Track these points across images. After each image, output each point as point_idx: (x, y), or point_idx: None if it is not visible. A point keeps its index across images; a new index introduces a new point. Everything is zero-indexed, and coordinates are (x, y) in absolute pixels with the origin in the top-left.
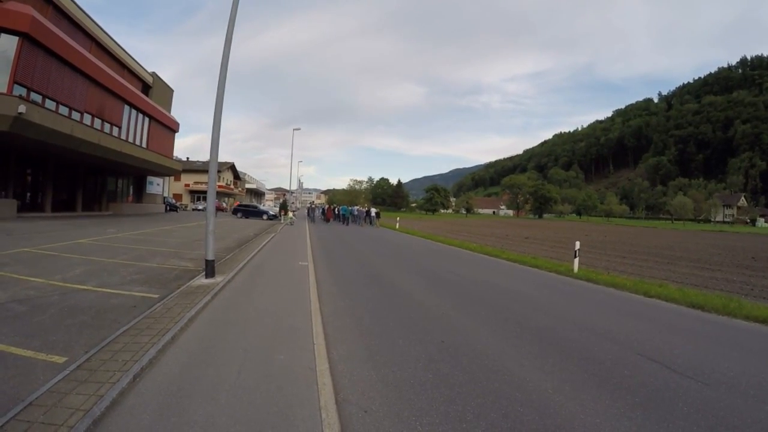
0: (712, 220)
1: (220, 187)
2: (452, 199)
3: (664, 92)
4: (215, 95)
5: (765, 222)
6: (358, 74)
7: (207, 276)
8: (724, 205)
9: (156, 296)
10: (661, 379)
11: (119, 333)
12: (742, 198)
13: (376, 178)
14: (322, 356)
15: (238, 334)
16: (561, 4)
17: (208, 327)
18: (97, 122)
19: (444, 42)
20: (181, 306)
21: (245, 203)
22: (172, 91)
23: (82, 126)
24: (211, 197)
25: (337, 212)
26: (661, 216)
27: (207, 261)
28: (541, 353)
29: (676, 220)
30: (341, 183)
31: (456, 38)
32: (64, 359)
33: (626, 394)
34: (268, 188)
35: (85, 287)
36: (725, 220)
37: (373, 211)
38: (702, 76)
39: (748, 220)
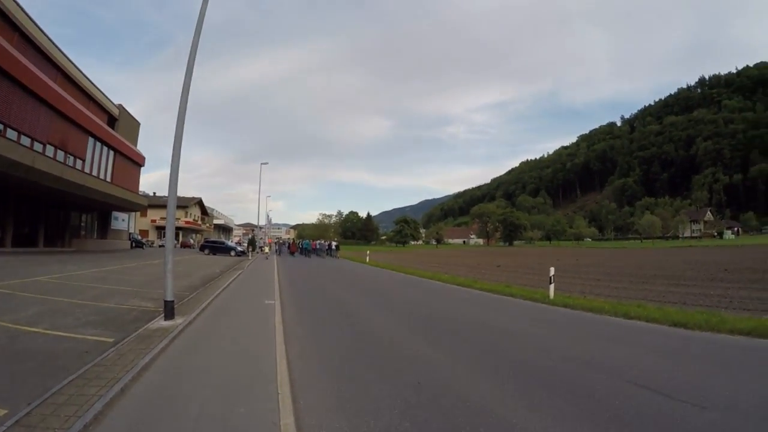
0: (680, 236)
1: (187, 222)
2: (422, 231)
3: (627, 115)
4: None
5: (732, 234)
6: (326, 108)
7: (166, 318)
8: (691, 221)
9: (110, 340)
10: (655, 406)
11: (65, 383)
12: (708, 212)
13: (346, 211)
14: (288, 407)
15: (194, 383)
16: (522, 34)
17: (162, 376)
18: (60, 154)
19: (411, 75)
20: (136, 352)
21: (212, 239)
22: (139, 124)
23: (44, 158)
24: (170, 233)
25: (300, 246)
26: (630, 236)
27: (166, 302)
28: (525, 389)
29: (645, 239)
30: (310, 217)
31: (422, 71)
32: (3, 412)
33: (623, 427)
34: (237, 224)
35: (36, 329)
36: (693, 235)
37: (333, 244)
38: (662, 98)
39: (716, 234)
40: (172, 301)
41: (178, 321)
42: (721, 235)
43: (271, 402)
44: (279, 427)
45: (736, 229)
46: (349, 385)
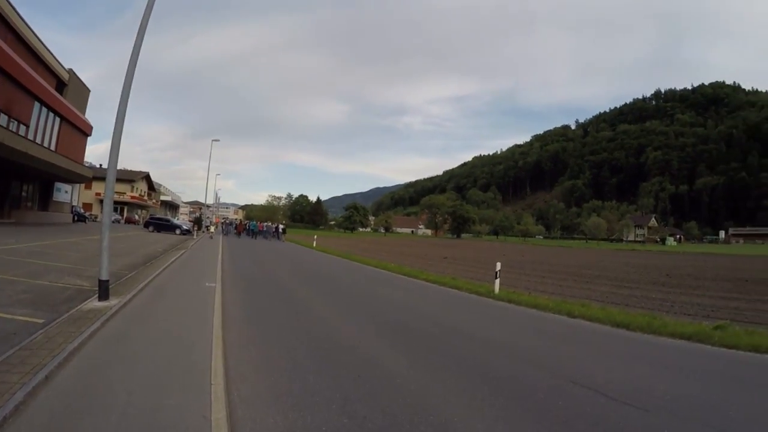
0: (625, 239)
1: (132, 197)
2: (371, 218)
3: (581, 120)
4: (121, 95)
5: (674, 241)
6: (283, 88)
7: (100, 298)
8: (635, 226)
9: (40, 321)
10: (599, 408)
11: None
12: (653, 219)
13: (296, 194)
14: (220, 400)
15: (124, 371)
16: (486, 31)
17: (90, 362)
18: (3, 119)
19: (372, 62)
20: (65, 335)
21: (158, 216)
22: (89, 91)
23: None
24: (108, 207)
25: (247, 227)
26: (576, 236)
27: (100, 281)
28: (468, 386)
29: (590, 239)
30: (260, 198)
31: (384, 59)
32: None
33: (566, 429)
34: (184, 201)
35: None
36: (637, 239)
37: (280, 227)
38: (618, 106)
39: (658, 239)
40: (108, 281)
41: (113, 302)
42: (663, 241)
43: (204, 394)
44: (210, 421)
45: (678, 236)
46: (285, 377)
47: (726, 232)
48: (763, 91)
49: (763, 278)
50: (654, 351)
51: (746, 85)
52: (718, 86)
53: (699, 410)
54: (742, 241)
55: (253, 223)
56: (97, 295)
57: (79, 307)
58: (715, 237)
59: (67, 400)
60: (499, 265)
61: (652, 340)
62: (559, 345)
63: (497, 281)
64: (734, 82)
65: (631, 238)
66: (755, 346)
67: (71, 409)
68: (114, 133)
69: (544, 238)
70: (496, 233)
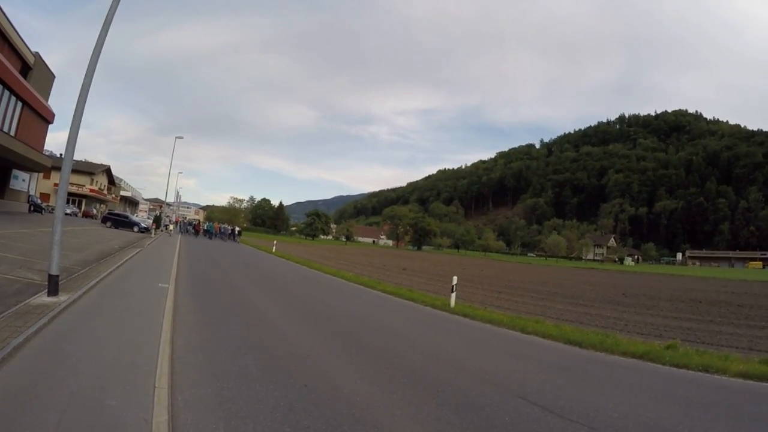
0: (584, 258)
1: (92, 191)
2: (333, 226)
3: (546, 140)
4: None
5: (632, 261)
6: (252, 89)
7: (50, 293)
8: (594, 245)
9: None
10: (545, 425)
11: None
12: (612, 239)
13: (258, 197)
14: (163, 403)
15: (68, 370)
16: (457, 47)
17: (34, 359)
18: None
19: (342, 69)
20: (11, 329)
21: (117, 211)
22: (54, 77)
23: None
24: (62, 200)
25: (205, 228)
26: (536, 253)
27: (50, 276)
28: (415, 399)
29: (549, 257)
30: (222, 199)
31: (354, 67)
32: None
33: None
34: (145, 198)
35: None
36: (596, 258)
37: (237, 230)
38: (582, 128)
39: (617, 259)
40: (58, 276)
41: (62, 298)
42: (621, 260)
43: (147, 397)
44: (150, 424)
45: (636, 257)
46: (232, 383)
47: (683, 255)
48: (724, 120)
49: (717, 299)
50: (605, 369)
51: (708, 114)
52: (681, 114)
53: (646, 429)
54: (698, 263)
55: (210, 224)
56: (46, 289)
57: (27, 301)
58: (672, 259)
59: (9, 397)
60: (455, 279)
61: (604, 358)
62: (510, 360)
63: (453, 295)
64: (696, 111)
65: (590, 257)
66: (705, 365)
67: (11, 405)
68: (72, 123)
69: (504, 253)
70: (457, 247)
